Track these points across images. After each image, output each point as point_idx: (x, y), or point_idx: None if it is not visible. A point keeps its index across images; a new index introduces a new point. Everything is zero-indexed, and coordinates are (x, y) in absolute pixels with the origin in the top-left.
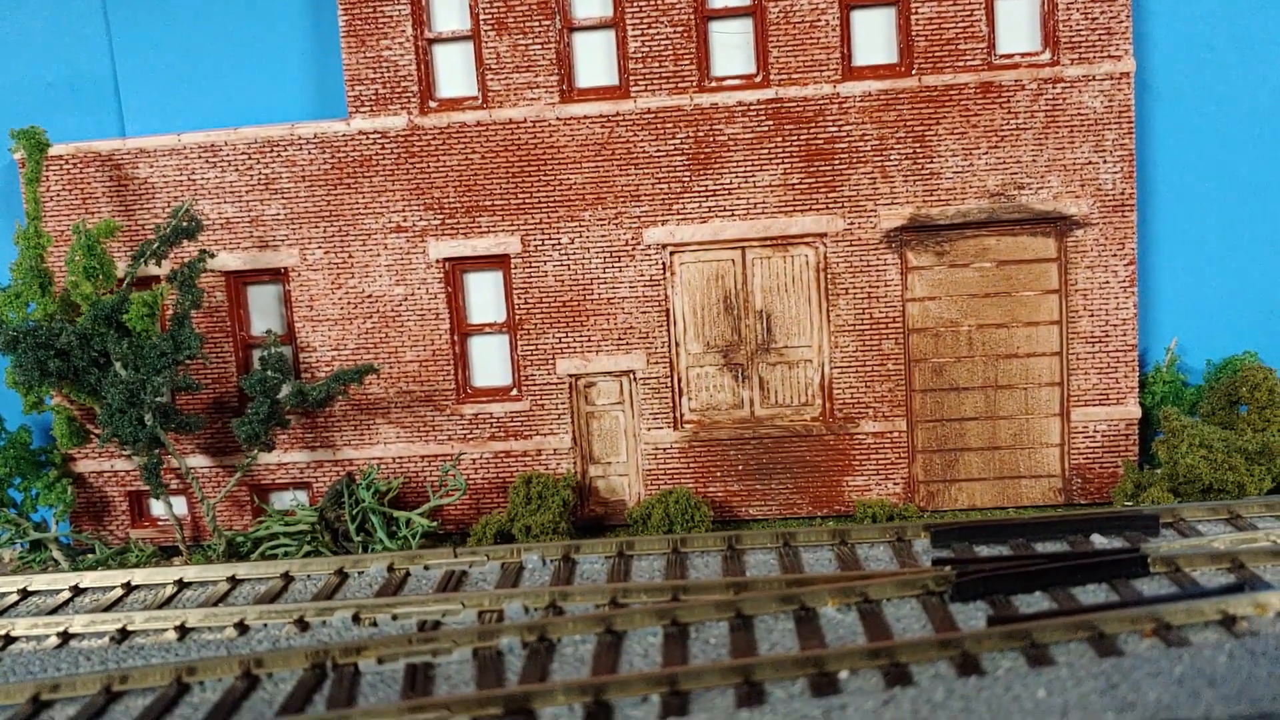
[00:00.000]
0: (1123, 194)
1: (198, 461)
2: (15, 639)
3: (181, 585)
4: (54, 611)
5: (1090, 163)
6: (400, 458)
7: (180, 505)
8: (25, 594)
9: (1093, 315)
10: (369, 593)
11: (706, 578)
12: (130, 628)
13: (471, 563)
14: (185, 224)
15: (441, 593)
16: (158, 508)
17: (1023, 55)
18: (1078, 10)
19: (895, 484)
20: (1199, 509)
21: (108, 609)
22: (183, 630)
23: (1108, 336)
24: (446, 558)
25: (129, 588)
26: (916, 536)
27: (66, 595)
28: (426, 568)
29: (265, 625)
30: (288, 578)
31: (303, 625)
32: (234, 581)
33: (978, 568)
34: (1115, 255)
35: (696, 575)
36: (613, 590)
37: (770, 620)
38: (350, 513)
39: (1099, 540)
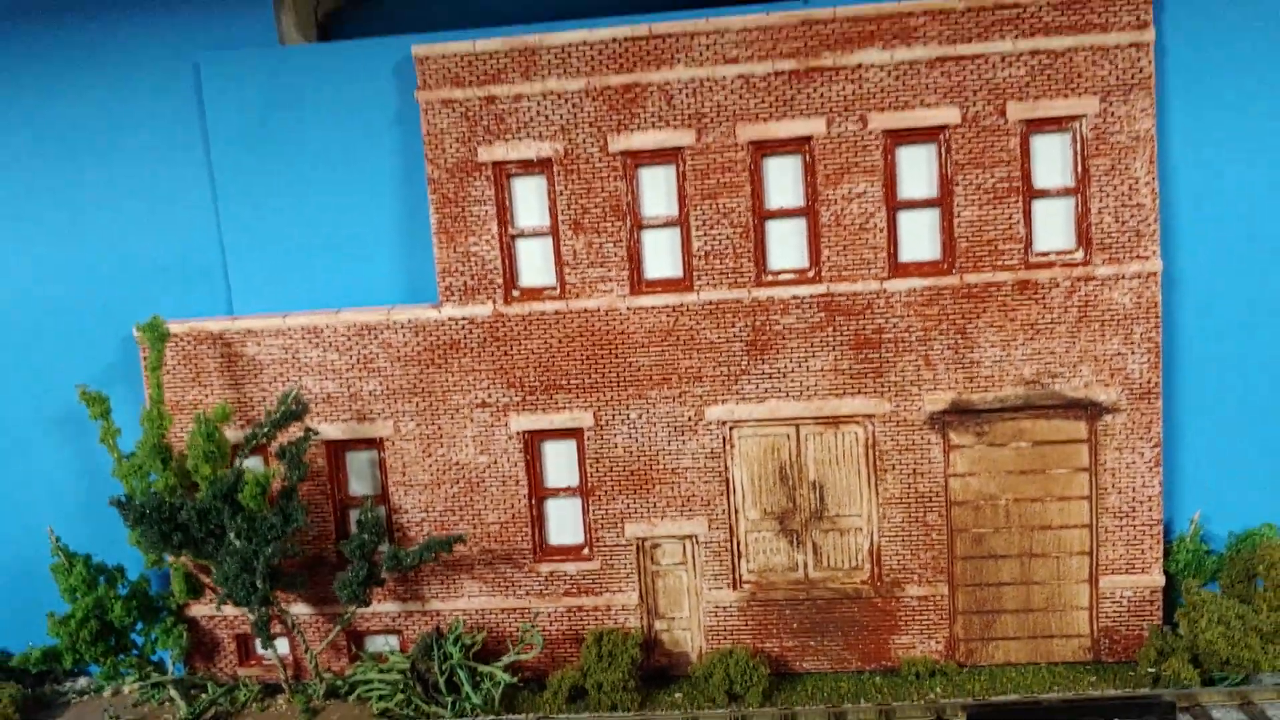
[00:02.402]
0: (1149, 383)
1: (299, 609)
2: None
3: None
4: None
5: (1119, 354)
6: (482, 609)
7: (283, 646)
8: None
9: (1120, 492)
10: None
11: None
12: None
13: None
14: (294, 408)
15: None
16: (263, 650)
17: (1058, 254)
18: (1109, 214)
19: (937, 642)
20: (1216, 694)
21: None
22: None
23: (1134, 511)
24: None
25: None
26: (955, 716)
27: None
28: None
29: None
30: None
31: None
32: None
33: None
34: (1142, 438)
35: None
36: None
37: None
38: (439, 666)
39: None
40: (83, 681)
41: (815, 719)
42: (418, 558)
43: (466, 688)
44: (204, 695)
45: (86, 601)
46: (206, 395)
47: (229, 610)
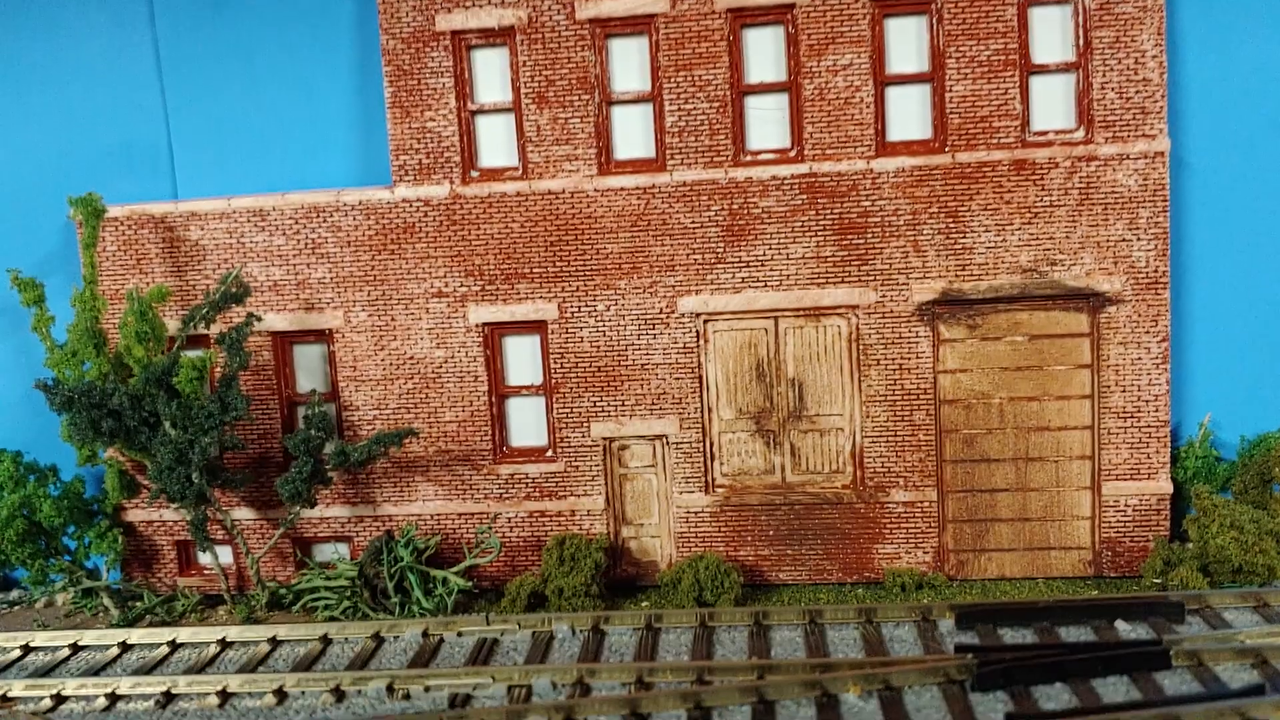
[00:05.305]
0: (1156, 271)
1: (242, 514)
2: (66, 698)
3: (225, 645)
4: (103, 670)
5: (1124, 240)
6: (438, 514)
7: (226, 555)
8: (76, 649)
9: (1125, 390)
10: (403, 660)
11: (732, 659)
12: (174, 691)
13: (503, 631)
14: (234, 290)
15: (472, 665)
16: (204, 557)
17: (1057, 133)
18: (1112, 90)
19: (925, 552)
20: (1227, 595)
21: (153, 669)
22: (224, 695)
23: (1140, 412)
24: (479, 625)
25: (174, 645)
26: (942, 616)
27: (115, 652)
28: (460, 634)
29: (303, 693)
30: (326, 640)
31: (339, 694)
32: (275, 643)
33: (999, 657)
34: (1148, 332)
35: (723, 653)
36: (639, 669)
37: (792, 706)
38: (389, 570)
39: (1123, 627)
40: (14, 594)
41: (789, 618)
42: (366, 452)
43: (417, 591)
44: (138, 604)
45: (13, 499)
46: (147, 283)
47: (168, 515)
